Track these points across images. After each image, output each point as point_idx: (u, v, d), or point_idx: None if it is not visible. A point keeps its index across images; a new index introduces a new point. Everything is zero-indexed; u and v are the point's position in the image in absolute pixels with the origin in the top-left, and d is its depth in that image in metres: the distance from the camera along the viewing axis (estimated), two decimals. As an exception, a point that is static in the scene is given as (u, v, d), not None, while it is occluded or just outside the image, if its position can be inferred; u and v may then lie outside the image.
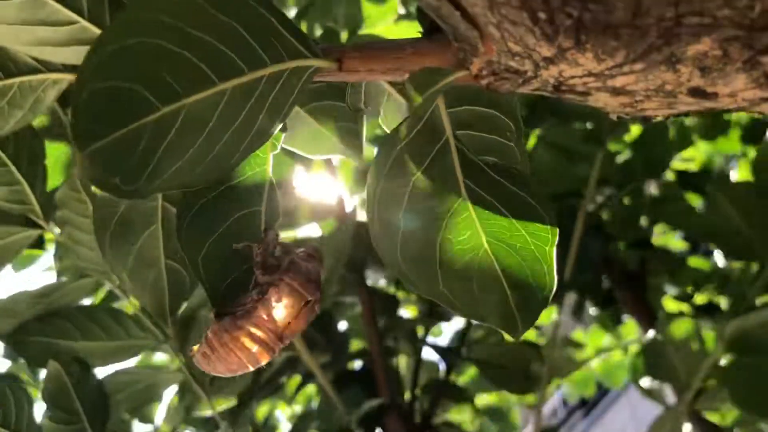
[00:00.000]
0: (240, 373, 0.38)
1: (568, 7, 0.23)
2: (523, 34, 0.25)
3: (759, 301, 1.17)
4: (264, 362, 0.37)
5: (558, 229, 0.32)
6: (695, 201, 1.38)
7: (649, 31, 0.23)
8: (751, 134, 1.37)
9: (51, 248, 0.91)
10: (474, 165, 0.33)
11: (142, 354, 1.02)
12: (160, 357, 1.17)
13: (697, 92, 0.25)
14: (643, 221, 1.43)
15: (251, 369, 0.38)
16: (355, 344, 1.24)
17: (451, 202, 0.33)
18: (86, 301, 0.79)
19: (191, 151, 0.33)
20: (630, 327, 1.65)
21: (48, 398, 0.61)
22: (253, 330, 0.36)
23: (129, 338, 0.66)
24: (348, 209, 1.12)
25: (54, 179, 0.66)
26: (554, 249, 0.33)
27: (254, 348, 0.36)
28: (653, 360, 1.05)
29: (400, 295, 1.26)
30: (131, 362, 0.74)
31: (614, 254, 1.40)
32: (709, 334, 1.08)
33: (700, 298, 1.43)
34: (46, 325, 0.65)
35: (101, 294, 0.90)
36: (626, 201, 1.39)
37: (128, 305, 0.68)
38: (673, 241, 1.64)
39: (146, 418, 0.97)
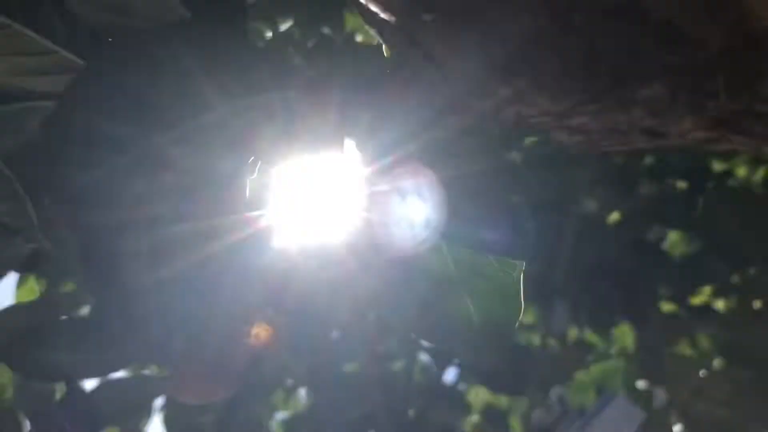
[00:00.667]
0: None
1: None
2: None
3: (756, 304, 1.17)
4: None
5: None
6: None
7: (601, 74, 0.24)
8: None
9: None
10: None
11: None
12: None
13: (649, 132, 0.25)
14: (638, 222, 1.43)
15: None
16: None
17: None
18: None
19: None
20: (623, 330, 1.66)
21: (33, 418, 0.60)
22: None
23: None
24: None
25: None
26: (521, 275, 0.33)
27: None
28: (648, 361, 1.05)
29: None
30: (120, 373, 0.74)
31: (608, 256, 1.40)
32: (703, 337, 1.08)
33: (695, 300, 1.43)
34: (36, 340, 0.64)
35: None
36: (620, 201, 1.39)
37: None
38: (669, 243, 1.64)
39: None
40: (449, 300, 0.34)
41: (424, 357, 1.20)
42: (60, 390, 0.65)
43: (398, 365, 1.19)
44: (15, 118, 0.52)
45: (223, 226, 0.35)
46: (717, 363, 1.02)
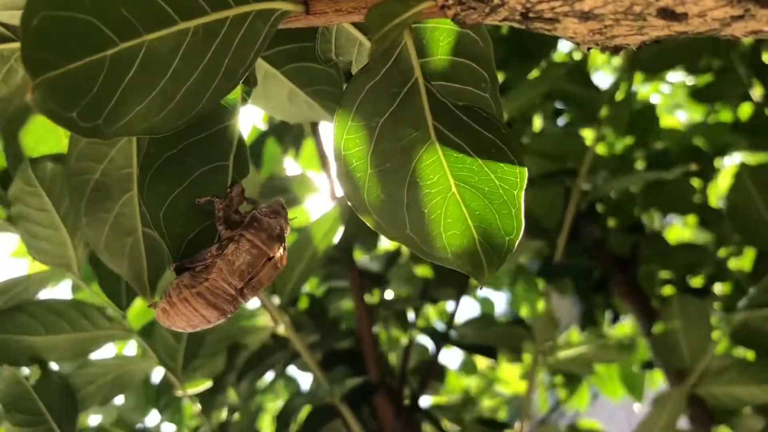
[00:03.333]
0: (200, 329, 0.38)
1: None
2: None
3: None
4: (223, 319, 0.36)
5: (527, 171, 0.31)
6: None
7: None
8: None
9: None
10: (443, 107, 0.32)
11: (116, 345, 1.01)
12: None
13: (666, 13, 0.24)
14: (636, 206, 1.42)
15: (211, 324, 0.37)
16: (345, 324, 1.23)
17: (420, 144, 0.32)
18: (48, 293, 0.77)
19: (154, 93, 0.32)
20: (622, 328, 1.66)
21: (6, 402, 0.57)
22: (212, 285, 0.35)
23: (95, 329, 0.64)
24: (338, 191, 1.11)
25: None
26: (522, 192, 0.32)
27: (214, 303, 0.35)
28: (661, 341, 1.04)
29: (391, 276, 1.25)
30: (100, 354, 0.71)
31: (606, 239, 1.39)
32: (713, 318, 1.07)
33: (693, 282, 1.42)
34: (7, 323, 0.62)
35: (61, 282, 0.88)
36: (619, 185, 1.38)
37: (88, 293, 0.65)
38: (669, 227, 1.64)
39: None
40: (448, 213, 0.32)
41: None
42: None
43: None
44: (5, 61, 0.50)
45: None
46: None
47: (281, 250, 0.35)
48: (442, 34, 0.38)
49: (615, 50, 0.27)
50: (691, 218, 1.53)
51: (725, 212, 1.08)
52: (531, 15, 0.26)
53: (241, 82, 0.36)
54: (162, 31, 0.31)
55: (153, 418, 1.03)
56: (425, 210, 0.32)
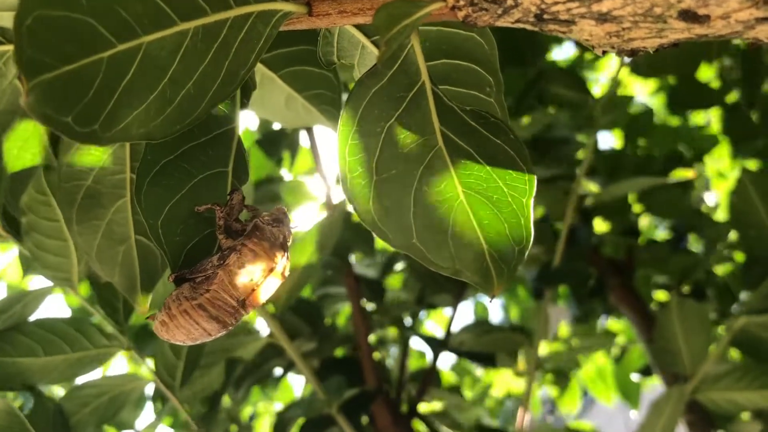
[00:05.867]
0: (200, 342, 0.36)
1: None
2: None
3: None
4: (224, 331, 0.35)
5: (536, 178, 0.30)
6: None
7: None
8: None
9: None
10: (451, 111, 0.31)
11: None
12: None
13: (688, 15, 0.23)
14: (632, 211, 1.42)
15: (212, 338, 0.36)
16: (341, 331, 1.22)
17: (426, 150, 0.31)
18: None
19: (152, 96, 0.31)
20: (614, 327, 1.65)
21: None
22: (214, 297, 0.34)
23: (93, 348, 0.62)
24: (335, 197, 1.10)
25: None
26: (531, 200, 0.31)
27: (215, 316, 0.34)
28: (661, 345, 1.03)
29: (388, 282, 1.24)
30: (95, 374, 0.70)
31: (601, 244, 1.39)
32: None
33: (686, 288, 1.42)
34: (5, 344, 0.59)
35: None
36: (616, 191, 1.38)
37: (84, 306, 0.63)
38: (660, 232, 1.63)
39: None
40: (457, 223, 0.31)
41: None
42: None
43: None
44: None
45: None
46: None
47: (284, 259, 0.34)
48: (445, 37, 0.37)
49: (631, 54, 0.26)
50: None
51: (729, 217, 1.08)
52: (546, 17, 0.25)
53: (240, 85, 0.35)
54: (161, 32, 0.30)
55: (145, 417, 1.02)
56: (432, 218, 0.31)
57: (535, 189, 0.31)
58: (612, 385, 1.70)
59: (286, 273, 0.35)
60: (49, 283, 0.61)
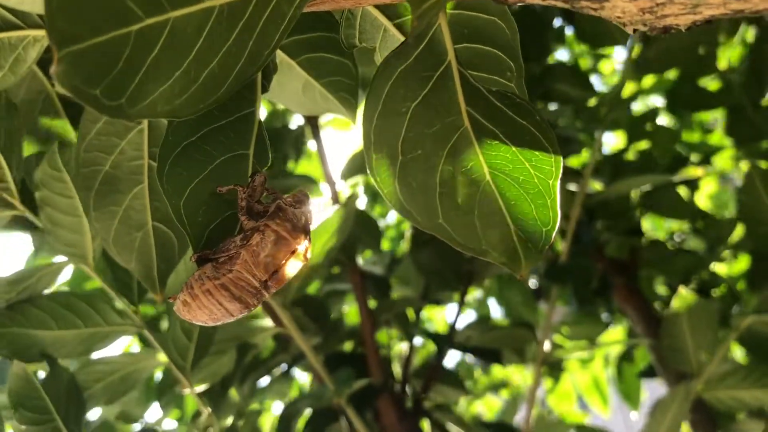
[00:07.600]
0: (221, 323, 0.36)
1: None
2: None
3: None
4: (246, 312, 0.35)
5: (561, 160, 0.30)
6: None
7: None
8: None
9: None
10: (477, 92, 0.31)
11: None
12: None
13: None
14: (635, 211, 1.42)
15: (233, 318, 0.35)
16: (346, 326, 1.22)
17: (453, 131, 0.31)
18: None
19: (178, 73, 0.31)
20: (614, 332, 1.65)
21: (14, 399, 0.55)
22: (237, 277, 0.34)
23: (106, 325, 0.62)
24: (341, 195, 1.10)
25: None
26: (558, 182, 0.31)
27: (238, 296, 0.34)
28: (668, 343, 1.03)
29: (393, 278, 1.24)
30: (108, 351, 0.70)
31: (605, 243, 1.38)
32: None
33: (690, 288, 1.41)
34: (19, 315, 0.59)
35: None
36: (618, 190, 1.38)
37: (99, 284, 0.63)
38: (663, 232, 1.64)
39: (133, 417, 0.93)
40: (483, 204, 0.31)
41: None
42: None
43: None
44: (12, 49, 0.49)
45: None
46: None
47: (306, 241, 0.34)
48: (467, 21, 0.37)
49: (663, 31, 0.26)
50: (685, 224, 1.53)
51: (737, 214, 1.08)
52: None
53: (263, 66, 0.35)
54: (187, 8, 0.30)
55: (153, 413, 1.02)
56: (458, 199, 0.31)
57: (561, 171, 0.31)
58: (607, 396, 1.70)
59: (308, 255, 0.35)
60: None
